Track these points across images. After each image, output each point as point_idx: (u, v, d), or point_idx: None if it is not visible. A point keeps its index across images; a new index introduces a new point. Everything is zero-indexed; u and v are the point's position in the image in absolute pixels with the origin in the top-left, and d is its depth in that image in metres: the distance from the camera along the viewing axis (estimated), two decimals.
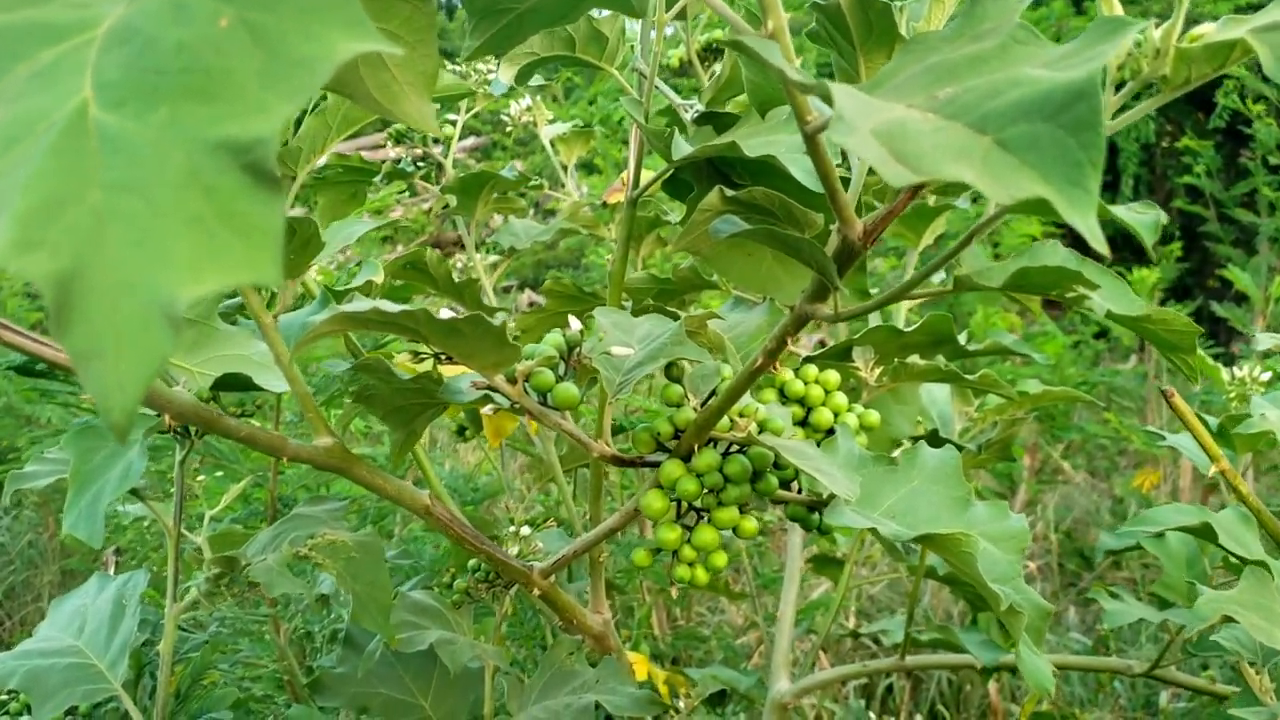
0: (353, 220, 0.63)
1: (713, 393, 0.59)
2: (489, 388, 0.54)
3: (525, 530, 0.81)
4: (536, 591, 0.76)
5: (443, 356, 0.51)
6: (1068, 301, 0.41)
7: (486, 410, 0.55)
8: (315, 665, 0.97)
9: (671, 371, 0.60)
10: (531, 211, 2.29)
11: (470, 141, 3.89)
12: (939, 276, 0.70)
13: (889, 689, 1.81)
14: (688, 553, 0.59)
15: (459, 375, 0.59)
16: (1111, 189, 5.25)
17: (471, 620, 0.85)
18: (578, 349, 0.57)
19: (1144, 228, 0.35)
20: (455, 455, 2.29)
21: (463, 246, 1.11)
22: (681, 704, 0.95)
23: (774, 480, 0.59)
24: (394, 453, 0.67)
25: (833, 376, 0.71)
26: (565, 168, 1.20)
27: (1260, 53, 0.30)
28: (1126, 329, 0.46)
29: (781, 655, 1.13)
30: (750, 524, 0.59)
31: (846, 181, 0.48)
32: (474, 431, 1.18)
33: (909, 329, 0.80)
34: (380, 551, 0.75)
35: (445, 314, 0.46)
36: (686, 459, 0.58)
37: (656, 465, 0.59)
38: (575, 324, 0.57)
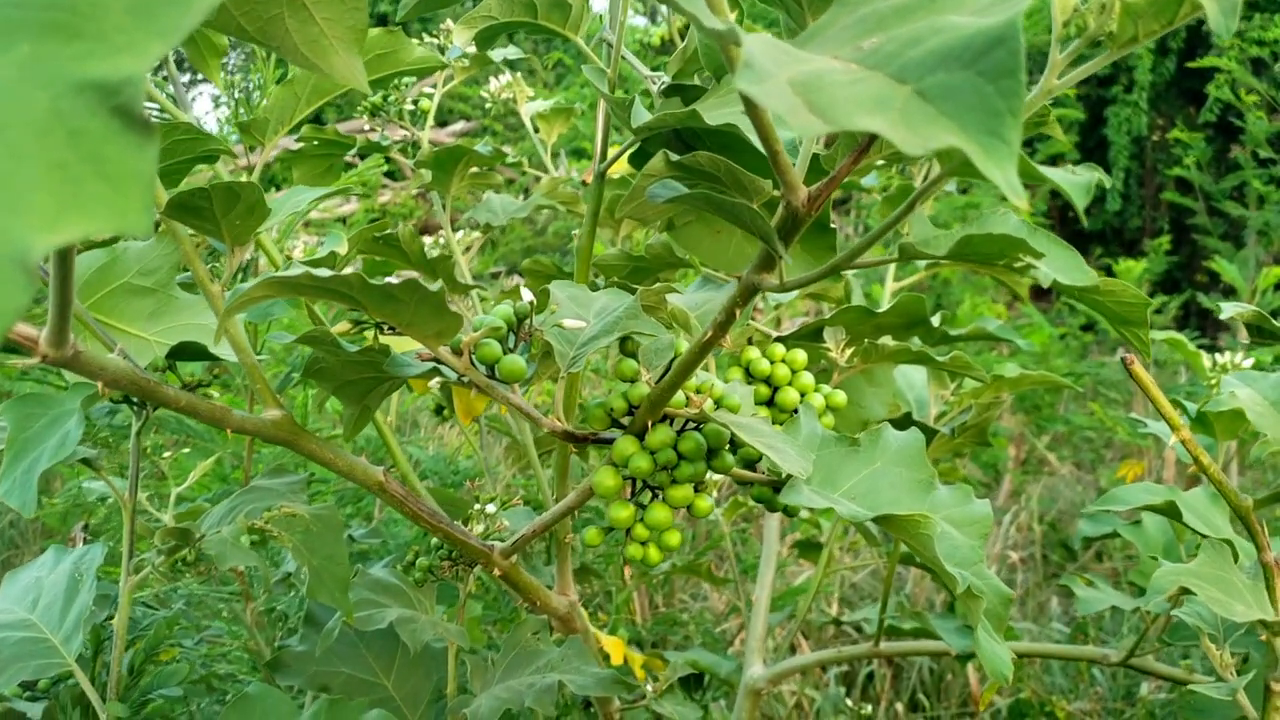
0: (303, 187, 0.62)
1: (668, 368, 0.58)
2: (435, 359, 0.53)
3: (490, 508, 0.80)
4: (497, 571, 0.74)
5: (385, 328, 0.50)
6: (1016, 271, 0.39)
7: (432, 384, 0.54)
8: (279, 644, 0.96)
9: (627, 346, 0.59)
10: (521, 196, 2.27)
11: (460, 126, 3.88)
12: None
13: (870, 677, 1.80)
14: (640, 531, 0.57)
15: (410, 350, 0.57)
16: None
17: (435, 599, 0.84)
18: (528, 320, 0.55)
19: (1074, 189, 0.33)
20: (440, 440, 2.28)
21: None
22: (650, 687, 0.94)
23: (729, 458, 0.58)
24: (346, 430, 0.66)
25: (800, 356, 0.69)
26: (546, 145, 1.18)
27: (1207, 7, 0.29)
28: (1076, 300, 0.45)
29: (756, 640, 1.12)
30: (705, 502, 0.58)
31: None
32: (450, 411, 1.17)
33: (881, 310, 0.78)
34: (338, 525, 0.74)
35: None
36: (641, 436, 0.57)
37: (610, 442, 0.58)
38: (527, 294, 0.56)
